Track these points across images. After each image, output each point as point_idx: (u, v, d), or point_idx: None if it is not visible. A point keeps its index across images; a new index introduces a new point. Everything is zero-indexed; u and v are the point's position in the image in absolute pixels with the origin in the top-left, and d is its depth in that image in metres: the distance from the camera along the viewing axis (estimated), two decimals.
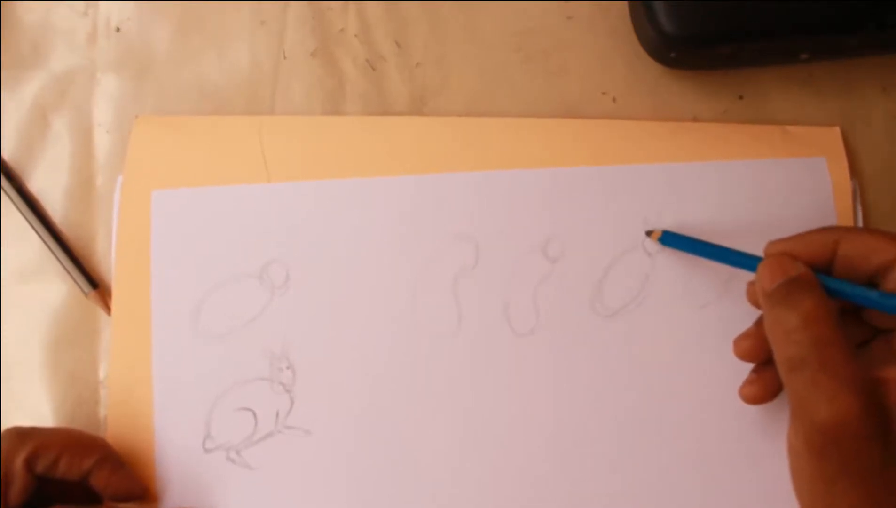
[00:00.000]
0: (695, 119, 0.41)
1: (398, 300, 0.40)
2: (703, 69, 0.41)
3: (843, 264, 0.33)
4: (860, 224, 0.40)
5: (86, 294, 0.41)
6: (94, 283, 0.41)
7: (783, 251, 0.34)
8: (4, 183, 0.41)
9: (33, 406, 0.40)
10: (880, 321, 0.34)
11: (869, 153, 0.41)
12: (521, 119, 0.41)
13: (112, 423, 0.39)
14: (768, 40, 0.38)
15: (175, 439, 0.39)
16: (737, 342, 0.36)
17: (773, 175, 0.40)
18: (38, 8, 0.43)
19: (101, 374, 0.40)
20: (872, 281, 0.33)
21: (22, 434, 0.35)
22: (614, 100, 0.42)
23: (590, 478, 0.38)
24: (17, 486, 0.34)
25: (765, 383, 0.36)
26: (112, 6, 0.43)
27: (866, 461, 0.29)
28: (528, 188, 0.40)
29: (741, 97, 0.41)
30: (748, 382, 0.37)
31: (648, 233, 0.39)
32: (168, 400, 0.39)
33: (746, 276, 0.37)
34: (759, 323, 0.36)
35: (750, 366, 0.37)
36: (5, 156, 0.42)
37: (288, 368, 0.39)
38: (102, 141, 0.42)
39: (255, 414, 0.39)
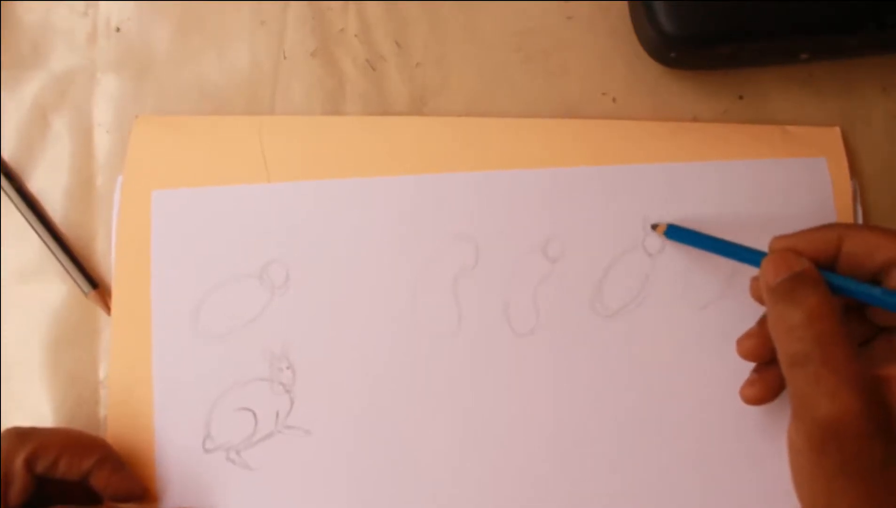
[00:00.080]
0: (695, 119, 0.41)
1: (398, 300, 0.40)
2: (703, 69, 0.41)
3: (847, 261, 0.33)
4: (860, 224, 0.40)
5: (86, 294, 0.41)
6: (94, 283, 0.41)
7: (787, 247, 0.34)
8: (4, 183, 0.41)
9: (33, 406, 0.40)
10: (883, 318, 0.34)
11: (869, 153, 0.41)
12: (521, 119, 0.41)
13: (112, 423, 0.39)
14: (768, 40, 0.38)
15: (175, 439, 0.39)
16: (740, 341, 0.36)
17: (773, 175, 0.40)
18: (38, 8, 0.43)
19: (101, 374, 0.40)
20: (876, 278, 0.33)
21: (22, 435, 0.35)
22: (614, 100, 0.42)
23: (590, 478, 0.38)
24: (17, 486, 0.34)
25: (765, 383, 0.36)
26: (112, 6, 0.43)
27: (867, 459, 0.29)
28: (528, 188, 0.40)
29: (741, 97, 0.41)
30: (749, 382, 0.37)
31: (654, 226, 0.39)
32: (168, 400, 0.39)
33: (746, 276, 0.37)
34: (761, 323, 0.36)
35: (750, 366, 0.37)
36: (5, 156, 0.42)
37: (288, 368, 0.39)
38: (102, 141, 0.42)
39: (255, 414, 0.39)
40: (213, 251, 0.40)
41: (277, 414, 0.39)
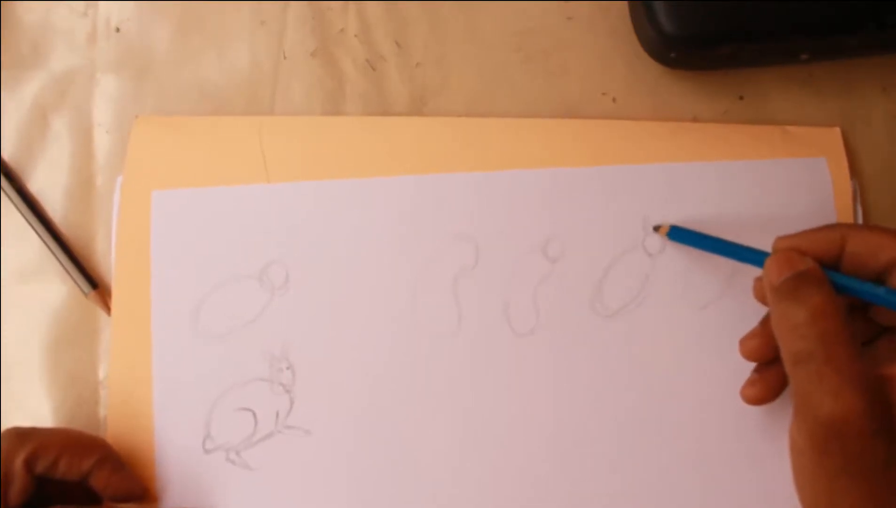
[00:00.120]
0: (695, 119, 0.41)
1: (398, 300, 0.40)
2: (703, 69, 0.41)
3: (851, 260, 0.33)
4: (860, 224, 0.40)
5: (86, 294, 0.41)
6: (94, 283, 0.41)
7: (791, 247, 0.34)
8: (4, 183, 0.41)
9: (33, 407, 0.40)
10: (886, 318, 0.34)
11: (869, 153, 0.41)
12: (521, 119, 0.41)
13: (112, 423, 0.39)
14: (768, 40, 0.38)
15: (175, 439, 0.39)
16: (743, 341, 0.36)
17: (773, 175, 0.40)
18: (38, 8, 0.43)
19: (101, 374, 0.40)
20: (880, 278, 0.33)
21: (22, 435, 0.35)
22: (614, 100, 0.42)
23: (590, 478, 0.38)
24: (17, 486, 0.34)
25: (766, 383, 0.36)
26: (112, 6, 0.43)
27: (869, 458, 0.29)
28: (528, 188, 0.40)
29: (741, 97, 0.41)
30: (749, 383, 0.37)
31: (656, 228, 0.39)
32: (168, 400, 0.39)
33: (747, 275, 0.37)
34: (764, 323, 0.36)
35: (750, 366, 0.37)
36: (5, 156, 0.42)
37: (288, 368, 0.39)
38: (102, 141, 0.42)
39: (254, 415, 0.39)
40: (213, 252, 0.40)
41: (277, 414, 0.39)
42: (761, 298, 0.36)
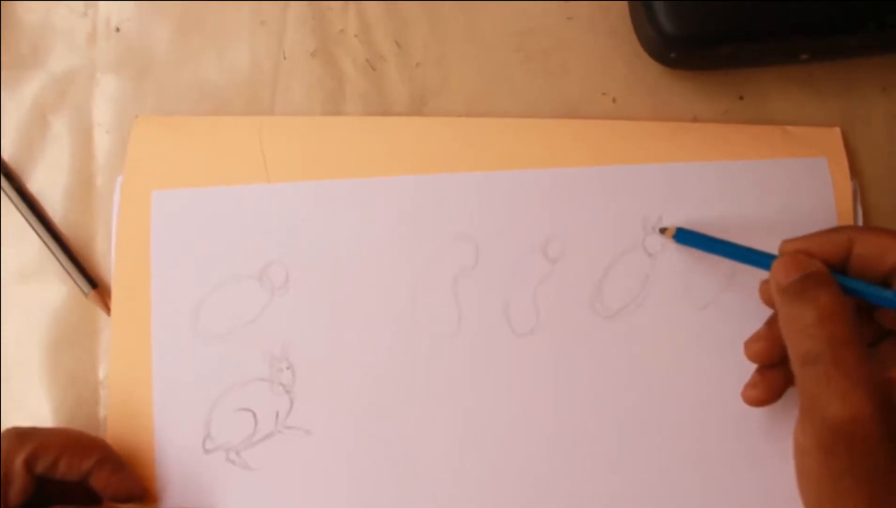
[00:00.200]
0: (695, 119, 0.41)
1: (398, 300, 0.40)
2: (703, 69, 0.41)
3: (858, 263, 0.33)
4: (861, 224, 0.40)
5: (85, 294, 0.41)
6: (94, 283, 0.41)
7: (798, 249, 0.34)
8: (4, 183, 0.41)
9: (33, 407, 0.40)
10: (892, 321, 0.34)
11: (869, 153, 0.41)
12: (521, 119, 0.41)
13: (112, 423, 0.39)
14: (768, 40, 0.38)
15: (175, 439, 0.39)
16: (748, 344, 0.36)
17: (773, 175, 0.40)
18: (38, 8, 0.43)
19: (101, 374, 0.40)
20: (887, 281, 0.33)
21: (21, 435, 0.35)
22: (614, 100, 0.42)
23: (590, 478, 0.38)
24: (17, 486, 0.34)
25: (768, 385, 0.36)
26: (112, 6, 0.43)
27: (874, 462, 0.29)
28: (528, 188, 0.40)
29: (741, 97, 0.41)
30: (751, 384, 0.37)
31: (662, 230, 0.39)
32: (168, 400, 0.39)
33: (747, 275, 0.37)
34: (769, 325, 0.36)
35: (750, 366, 0.37)
36: (5, 156, 0.42)
37: (288, 368, 0.39)
38: (102, 141, 0.42)
39: (254, 415, 0.39)
40: (213, 252, 0.40)
41: (277, 414, 0.39)
42: (768, 300, 0.36)
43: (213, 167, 0.41)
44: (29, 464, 0.34)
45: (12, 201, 0.41)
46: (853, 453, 0.29)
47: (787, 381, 0.36)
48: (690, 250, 0.39)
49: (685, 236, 0.39)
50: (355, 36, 0.42)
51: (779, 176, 0.40)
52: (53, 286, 0.41)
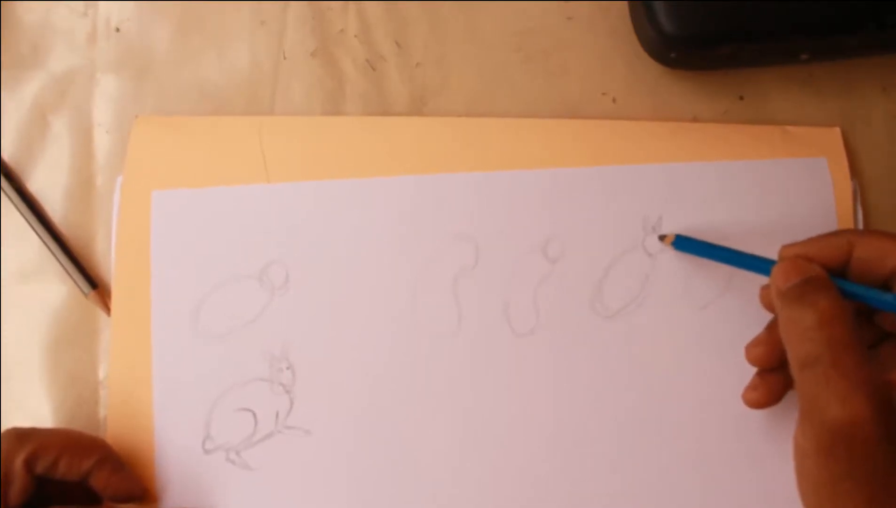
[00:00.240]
0: (695, 119, 0.41)
1: (398, 300, 0.40)
2: (703, 69, 0.41)
3: (858, 266, 0.33)
4: (861, 225, 0.40)
5: (85, 295, 0.41)
6: (94, 283, 0.41)
7: (798, 254, 0.34)
8: (4, 183, 0.41)
9: (33, 407, 0.40)
10: (892, 324, 0.34)
11: (869, 153, 0.41)
12: (521, 119, 0.41)
13: (112, 423, 0.39)
14: (768, 40, 0.38)
15: (175, 439, 0.39)
16: (748, 348, 0.36)
17: (773, 175, 0.40)
18: (38, 8, 0.43)
19: (101, 374, 0.40)
20: (887, 284, 0.33)
21: (21, 435, 0.35)
22: (614, 100, 0.42)
23: (590, 478, 0.38)
24: (17, 487, 0.34)
25: (768, 387, 0.36)
26: (112, 6, 0.43)
27: (874, 464, 0.29)
28: (528, 188, 0.40)
29: (741, 97, 0.41)
30: (751, 387, 0.37)
31: (661, 237, 0.39)
32: (168, 400, 0.39)
33: (746, 276, 0.37)
34: (770, 329, 0.36)
35: (750, 366, 0.37)
36: (5, 156, 0.42)
37: (288, 368, 0.39)
38: (102, 141, 0.42)
39: (254, 415, 0.39)
40: (213, 252, 0.40)
41: (277, 414, 0.39)
42: (768, 305, 0.36)
43: (213, 167, 0.41)
44: (29, 464, 0.34)
45: (12, 201, 0.41)
46: (853, 455, 0.29)
47: (787, 384, 0.36)
48: None
49: (684, 243, 0.39)
50: (355, 36, 0.42)
51: (779, 176, 0.40)
52: (53, 286, 0.41)
